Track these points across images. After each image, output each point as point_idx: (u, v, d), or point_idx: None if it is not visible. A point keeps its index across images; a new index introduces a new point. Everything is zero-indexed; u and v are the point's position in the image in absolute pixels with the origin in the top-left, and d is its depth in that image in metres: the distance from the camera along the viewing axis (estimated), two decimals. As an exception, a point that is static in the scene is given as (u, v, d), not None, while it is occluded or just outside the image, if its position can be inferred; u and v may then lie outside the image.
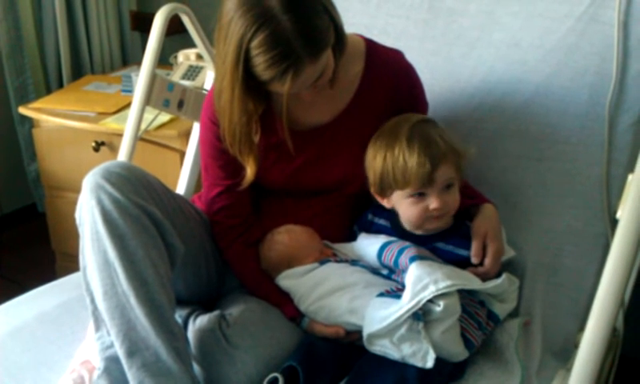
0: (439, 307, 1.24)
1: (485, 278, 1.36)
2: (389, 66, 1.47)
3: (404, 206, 1.39)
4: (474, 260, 1.38)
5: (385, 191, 1.40)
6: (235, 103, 1.30)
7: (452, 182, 1.37)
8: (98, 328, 1.31)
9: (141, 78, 1.78)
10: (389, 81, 1.46)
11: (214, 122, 1.43)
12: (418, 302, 1.24)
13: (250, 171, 1.41)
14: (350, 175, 1.48)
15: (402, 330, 1.25)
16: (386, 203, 1.43)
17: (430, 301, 1.24)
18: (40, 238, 2.83)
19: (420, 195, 1.36)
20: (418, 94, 1.52)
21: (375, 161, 1.39)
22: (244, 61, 1.23)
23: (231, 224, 1.50)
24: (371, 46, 1.49)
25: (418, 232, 1.43)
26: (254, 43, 1.21)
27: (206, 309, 1.46)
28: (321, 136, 1.48)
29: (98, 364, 1.30)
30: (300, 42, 1.20)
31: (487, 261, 1.38)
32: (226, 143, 1.39)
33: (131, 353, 1.22)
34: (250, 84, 1.28)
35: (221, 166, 1.48)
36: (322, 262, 1.45)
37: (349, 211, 1.56)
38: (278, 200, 1.54)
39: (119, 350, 1.23)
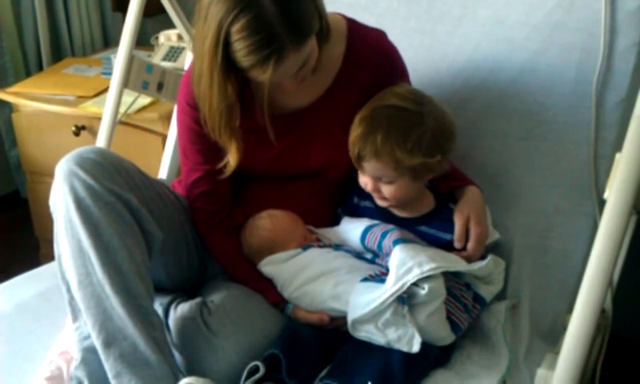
0: (424, 290, 1.22)
1: (468, 261, 1.34)
2: (371, 47, 1.43)
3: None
4: (457, 244, 1.36)
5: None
6: (215, 89, 1.25)
7: (389, 179, 1.33)
8: (75, 318, 1.29)
9: (118, 59, 1.75)
10: (371, 62, 1.43)
11: (192, 105, 1.39)
12: (403, 285, 1.22)
13: (232, 159, 1.36)
14: (331, 159, 1.45)
15: (387, 315, 1.24)
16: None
17: (415, 284, 1.23)
18: (24, 224, 2.80)
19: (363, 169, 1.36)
20: (400, 76, 1.48)
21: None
22: (224, 45, 1.18)
23: (211, 210, 1.47)
24: (353, 26, 1.45)
25: (402, 214, 1.41)
26: (235, 28, 1.16)
27: (188, 296, 1.43)
28: (301, 119, 1.44)
29: (76, 355, 1.28)
30: (284, 28, 1.16)
31: (470, 245, 1.36)
32: (207, 128, 1.35)
33: (108, 343, 1.20)
34: (229, 69, 1.23)
35: (199, 151, 1.44)
36: (305, 248, 1.42)
37: (332, 197, 1.53)
38: (260, 186, 1.50)
39: (96, 341, 1.21)
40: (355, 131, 1.34)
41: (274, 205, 1.48)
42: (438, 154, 1.31)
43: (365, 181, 1.37)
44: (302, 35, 1.20)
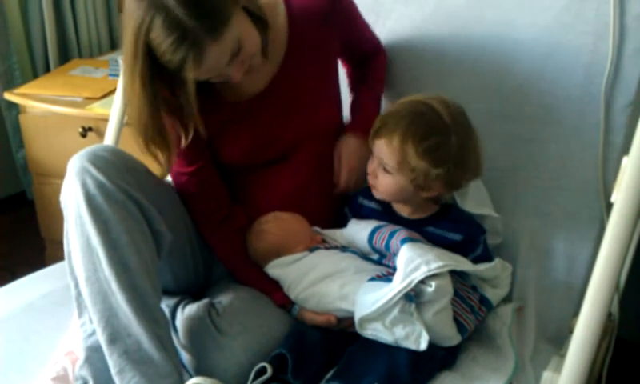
0: (431, 288, 1.22)
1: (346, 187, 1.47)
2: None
3: None
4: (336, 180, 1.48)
5: None
6: (136, 98, 1.24)
7: (389, 169, 1.34)
8: (80, 314, 1.29)
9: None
10: (315, 13, 1.42)
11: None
12: (410, 282, 1.22)
13: (161, 169, 1.35)
14: (312, 127, 1.45)
15: (395, 313, 1.24)
16: None
17: (422, 282, 1.23)
18: (30, 225, 2.80)
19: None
20: (352, 13, 1.48)
21: None
22: (147, 53, 1.19)
23: (208, 210, 1.46)
24: None
25: (408, 215, 1.42)
26: (153, 34, 1.17)
27: (194, 298, 1.43)
28: (267, 98, 1.43)
29: (80, 353, 1.28)
30: (194, 22, 1.16)
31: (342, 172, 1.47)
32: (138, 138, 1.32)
33: (112, 340, 1.20)
34: (154, 75, 1.22)
35: (179, 154, 1.39)
36: (312, 250, 1.42)
37: (330, 193, 1.52)
38: (252, 176, 1.50)
39: (100, 337, 1.21)
40: (389, 107, 1.38)
41: (271, 195, 1.47)
42: (444, 168, 1.31)
43: (370, 161, 1.40)
44: (214, 24, 1.18)
